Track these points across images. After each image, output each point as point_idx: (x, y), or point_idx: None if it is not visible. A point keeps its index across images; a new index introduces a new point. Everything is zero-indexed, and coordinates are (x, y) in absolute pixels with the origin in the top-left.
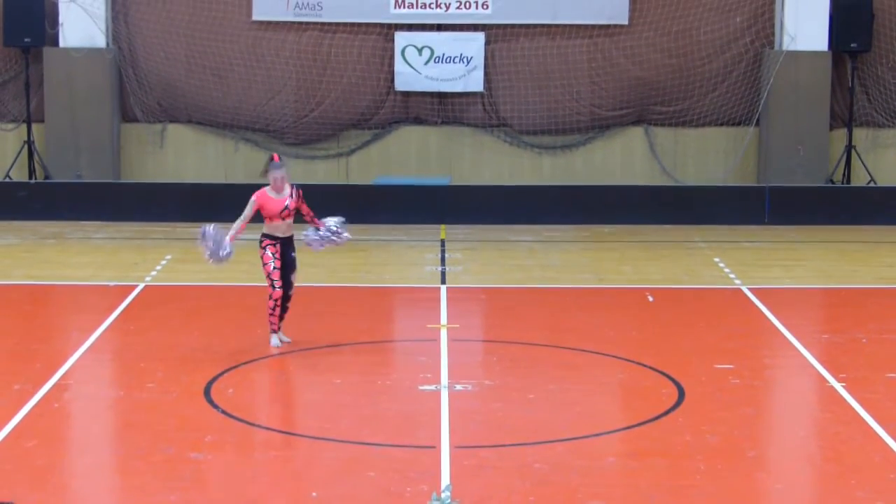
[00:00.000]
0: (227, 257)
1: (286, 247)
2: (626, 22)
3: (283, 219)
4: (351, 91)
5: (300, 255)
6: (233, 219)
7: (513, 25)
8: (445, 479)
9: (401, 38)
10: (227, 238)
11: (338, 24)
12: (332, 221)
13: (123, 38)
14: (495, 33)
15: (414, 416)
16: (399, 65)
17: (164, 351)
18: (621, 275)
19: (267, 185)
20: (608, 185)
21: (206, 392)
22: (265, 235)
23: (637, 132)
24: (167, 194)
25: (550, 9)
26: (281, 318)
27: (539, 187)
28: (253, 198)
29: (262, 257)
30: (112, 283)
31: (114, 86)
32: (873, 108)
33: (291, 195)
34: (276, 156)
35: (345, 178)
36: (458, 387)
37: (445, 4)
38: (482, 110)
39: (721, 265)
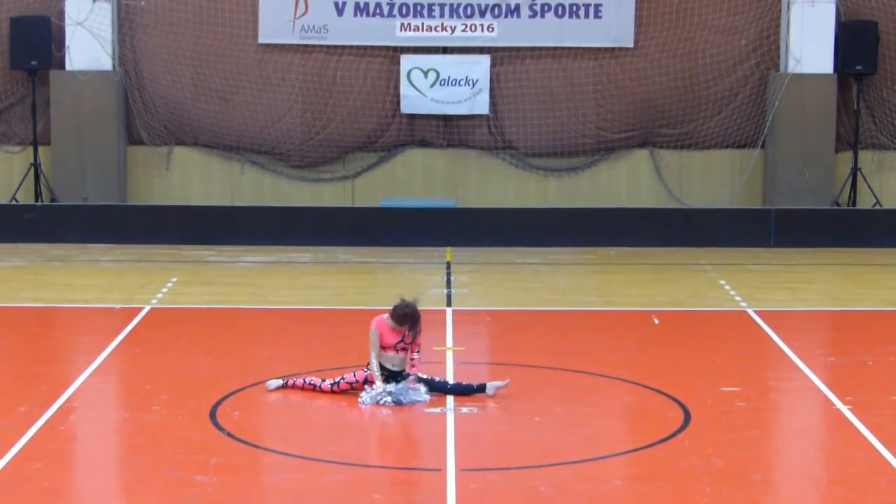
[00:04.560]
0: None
1: (394, 379)
2: (631, 44)
3: (397, 350)
4: (357, 114)
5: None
6: (237, 242)
7: (518, 48)
8: (451, 502)
9: (406, 61)
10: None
11: (344, 47)
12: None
13: (130, 61)
14: (501, 56)
15: (420, 438)
16: (405, 87)
17: (170, 374)
18: (627, 297)
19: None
20: (614, 207)
21: (212, 415)
22: (380, 366)
23: (643, 154)
24: (173, 217)
25: (556, 31)
26: None
27: (545, 210)
28: (374, 326)
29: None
30: (118, 306)
31: (120, 108)
32: (879, 130)
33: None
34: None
35: (350, 200)
36: (464, 409)
37: (451, 27)
38: (488, 133)
39: (727, 288)
